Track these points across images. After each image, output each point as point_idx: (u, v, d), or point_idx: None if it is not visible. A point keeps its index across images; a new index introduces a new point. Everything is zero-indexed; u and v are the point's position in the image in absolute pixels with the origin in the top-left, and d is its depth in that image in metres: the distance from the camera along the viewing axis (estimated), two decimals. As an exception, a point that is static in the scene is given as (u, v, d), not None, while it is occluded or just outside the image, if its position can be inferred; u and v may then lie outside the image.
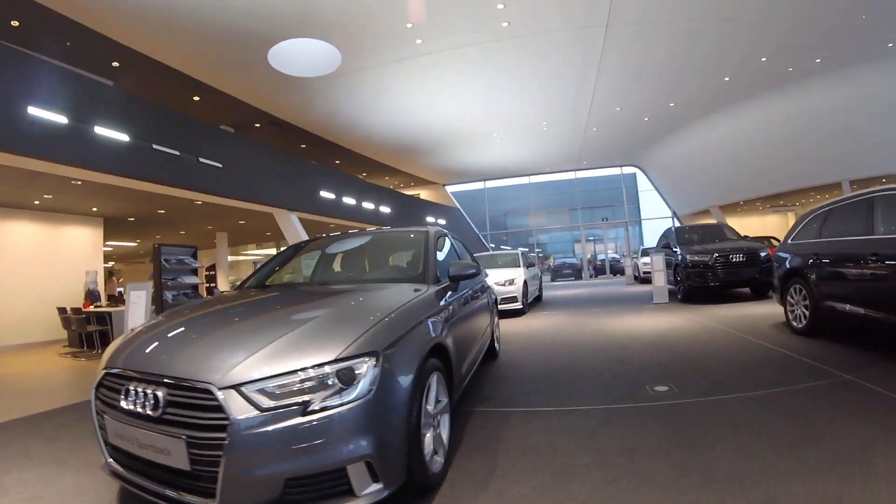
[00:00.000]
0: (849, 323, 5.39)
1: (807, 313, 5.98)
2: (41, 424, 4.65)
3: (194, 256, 9.05)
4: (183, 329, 2.79)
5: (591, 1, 10.91)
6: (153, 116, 10.38)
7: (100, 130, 8.76)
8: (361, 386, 2.17)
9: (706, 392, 4.20)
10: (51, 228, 12.58)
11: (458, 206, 31.61)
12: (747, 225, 15.87)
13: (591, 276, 29.03)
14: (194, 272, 8.96)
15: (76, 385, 6.51)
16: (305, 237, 14.64)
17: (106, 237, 14.84)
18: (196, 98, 14.74)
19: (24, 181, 9.41)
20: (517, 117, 19.22)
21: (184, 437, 2.08)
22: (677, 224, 27.69)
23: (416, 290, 3.24)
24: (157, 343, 2.60)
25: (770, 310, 8.47)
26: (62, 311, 10.47)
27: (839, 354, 5.02)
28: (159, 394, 2.19)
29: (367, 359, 2.23)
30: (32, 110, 7.73)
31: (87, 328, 9.67)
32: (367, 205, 19.54)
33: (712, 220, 24.13)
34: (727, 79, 16.06)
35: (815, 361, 4.83)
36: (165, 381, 2.22)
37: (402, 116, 17.90)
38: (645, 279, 19.49)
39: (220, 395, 2.06)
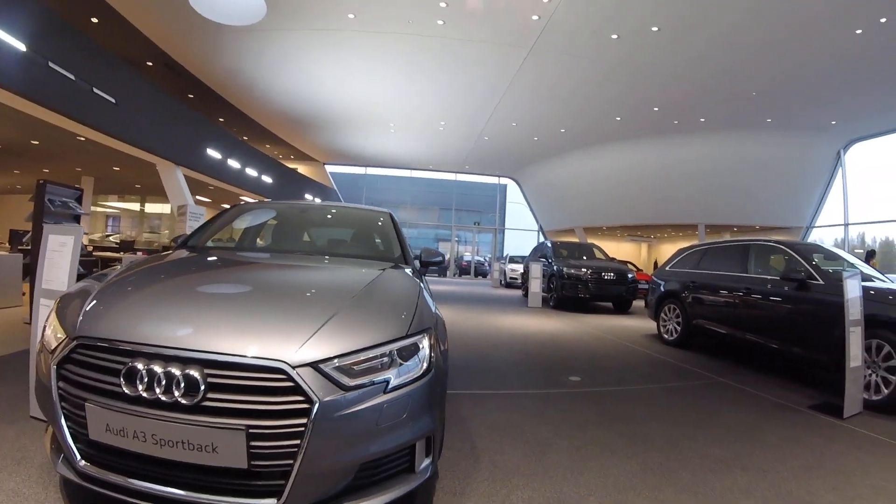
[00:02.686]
0: (714, 339, 6.63)
1: (678, 328, 7.20)
2: None
3: (79, 201, 7.87)
4: (189, 296, 2.28)
5: (524, 25, 11.65)
6: (53, 28, 9.09)
7: None
8: (425, 362, 2.07)
9: (613, 383, 4.97)
10: None
11: (335, 187, 31.28)
12: (605, 248, 17.89)
13: (454, 275, 30.27)
14: (77, 220, 7.77)
15: None
16: (188, 195, 13.86)
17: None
18: (94, 20, 13.16)
19: None
20: (419, 112, 19.59)
21: (243, 427, 1.67)
22: (542, 238, 30.04)
23: (411, 274, 3.17)
24: (164, 310, 2.05)
25: (635, 323, 9.81)
26: None
27: (708, 362, 6.17)
28: (195, 374, 1.71)
29: (425, 335, 2.13)
30: None
31: None
32: (251, 171, 18.79)
33: (575, 239, 26.53)
34: (619, 118, 17.95)
35: (691, 366, 5.89)
36: (209, 358, 1.75)
37: (305, 87, 17.42)
38: (510, 284, 20.95)
39: (296, 374, 1.74)
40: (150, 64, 16.04)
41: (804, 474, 2.82)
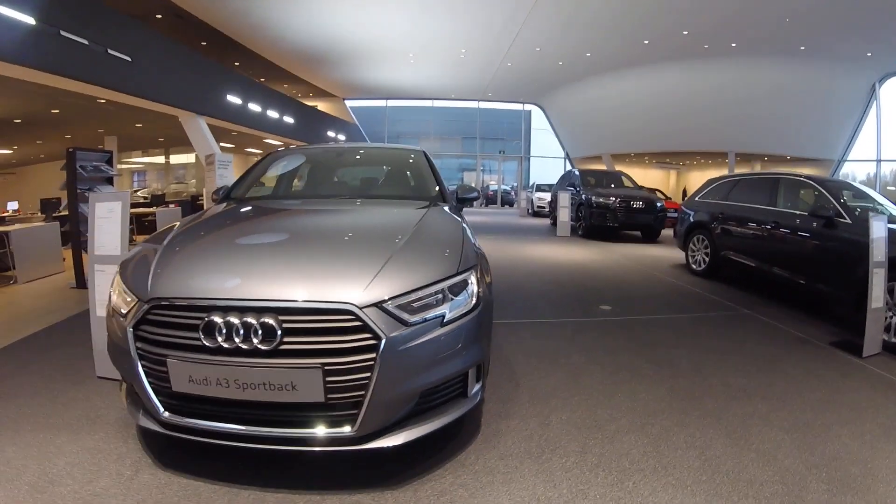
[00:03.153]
0: (741, 271, 6.72)
1: (706, 259, 7.29)
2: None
3: (109, 163, 7.98)
4: (251, 250, 2.44)
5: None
6: None
7: (2, 10, 7.45)
8: (474, 297, 2.24)
9: (642, 312, 5.20)
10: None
11: (356, 122, 31.05)
12: (632, 175, 17.73)
13: (481, 205, 30.34)
14: (110, 181, 7.95)
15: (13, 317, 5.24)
16: (214, 143, 14.00)
17: (-17, 144, 12.83)
18: None
19: None
20: (438, 41, 19.11)
21: (319, 365, 1.85)
22: (568, 165, 29.69)
23: (450, 211, 3.34)
24: (232, 266, 2.20)
25: (664, 252, 9.92)
26: None
27: (734, 293, 6.29)
28: (270, 322, 1.86)
29: (472, 272, 2.30)
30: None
31: None
32: (272, 113, 18.75)
33: (603, 166, 26.19)
34: (647, 42, 17.23)
35: (718, 297, 6.04)
36: (282, 306, 1.91)
37: (319, 22, 17.03)
38: (538, 213, 20.98)
39: (363, 314, 1.91)
40: (160, 17, 15.86)
41: (820, 407, 2.97)
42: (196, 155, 26.31)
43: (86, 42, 9.19)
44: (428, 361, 2.02)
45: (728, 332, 4.59)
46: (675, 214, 11.19)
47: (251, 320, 1.87)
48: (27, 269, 7.55)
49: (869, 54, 16.17)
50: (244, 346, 1.87)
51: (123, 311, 2.12)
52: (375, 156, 5.08)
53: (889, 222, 4.21)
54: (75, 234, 6.93)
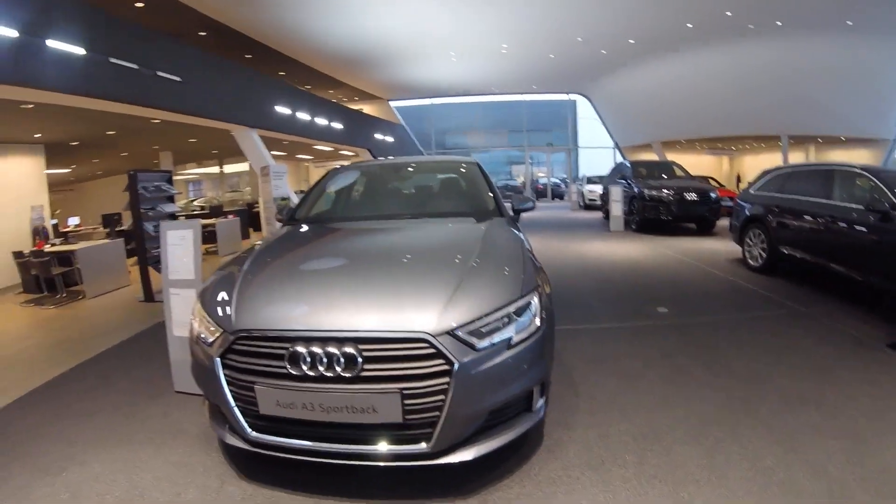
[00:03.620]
0: (798, 266, 6.61)
1: (763, 254, 7.16)
2: (73, 390, 3.89)
3: (170, 182, 8.34)
4: (326, 278, 2.64)
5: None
6: (105, 25, 9.26)
7: (53, 44, 7.61)
8: (537, 318, 2.36)
9: (698, 313, 5.24)
10: (-15, 160, 10.69)
11: (403, 122, 31.43)
12: (684, 162, 17.14)
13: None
14: (171, 199, 8.35)
15: (73, 339, 5.43)
16: (267, 155, 14.50)
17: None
18: (139, 4, 13.52)
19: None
20: (479, 38, 19.19)
21: (397, 390, 2.03)
22: (617, 155, 29.25)
23: (508, 225, 3.46)
24: (308, 298, 2.40)
25: (719, 245, 9.77)
26: (18, 254, 8.93)
27: (791, 290, 6.17)
28: (352, 351, 2.05)
29: (534, 293, 2.42)
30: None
31: (52, 271, 8.15)
32: (320, 120, 19.12)
33: (653, 154, 25.68)
34: (690, 25, 16.84)
35: (775, 295, 5.97)
36: (363, 336, 2.09)
37: (359, 27, 17.33)
38: (589, 206, 20.75)
39: (437, 342, 2.06)
40: (203, 34, 16.39)
41: (873, 415, 2.96)
42: (249, 163, 27.36)
43: (135, 66, 9.49)
44: (496, 382, 2.17)
45: (784, 334, 4.58)
46: (730, 203, 10.97)
47: (334, 350, 2.06)
48: (95, 284, 8.05)
49: None
50: (328, 374, 2.06)
51: (209, 341, 2.33)
52: (430, 170, 5.27)
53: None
54: (141, 252, 7.38)
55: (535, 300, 2.40)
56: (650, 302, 5.69)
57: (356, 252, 3.14)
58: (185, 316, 3.47)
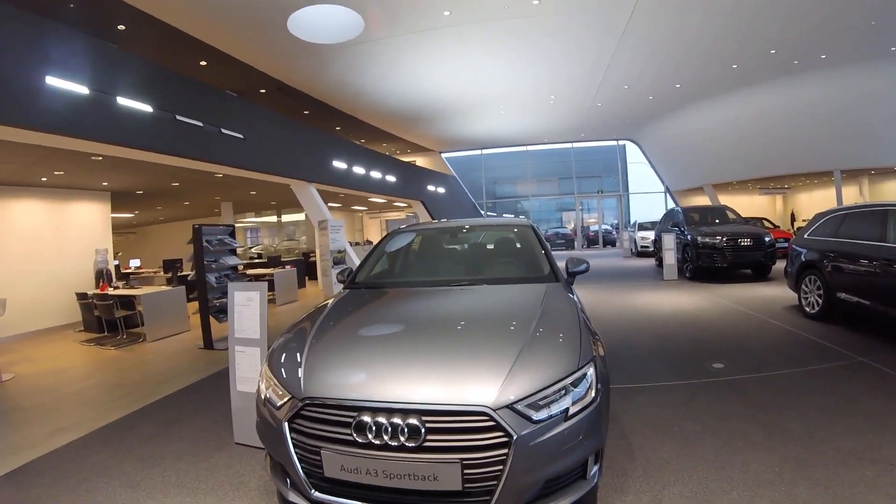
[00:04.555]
0: (857, 312, 6.45)
1: (820, 301, 7.03)
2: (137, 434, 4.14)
3: (232, 235, 8.73)
4: (389, 346, 2.78)
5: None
6: (173, 85, 9.76)
7: (123, 101, 7.97)
8: (593, 389, 2.42)
9: (756, 369, 5.17)
10: (57, 205, 11.42)
11: (454, 173, 32.10)
12: (736, 204, 17.01)
13: (582, 247, 30.08)
14: (234, 252, 8.74)
15: (135, 382, 5.73)
16: (324, 208, 15.11)
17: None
18: (203, 63, 14.43)
19: (38, 157, 8.58)
20: (527, 91, 19.65)
21: (458, 460, 2.12)
22: (669, 199, 28.88)
23: (563, 290, 3.53)
24: (373, 367, 2.52)
25: (775, 292, 9.59)
26: (82, 295, 9.61)
27: (850, 339, 6.04)
28: (415, 423, 2.17)
29: (591, 364, 2.49)
30: (51, 80, 6.68)
31: (115, 314, 8.63)
32: (375, 174, 19.74)
33: (704, 197, 25.26)
34: (735, 66, 16.84)
35: (833, 344, 5.86)
36: (426, 408, 2.21)
37: (412, 86, 18.11)
38: (642, 253, 20.56)
39: (497, 415, 2.15)
40: (264, 91, 17.30)
41: None
42: (305, 213, 28.23)
43: (200, 124, 9.90)
44: (553, 453, 2.23)
45: (842, 386, 4.51)
46: (785, 244, 10.73)
47: (398, 420, 2.18)
48: (155, 328, 8.49)
49: None
50: (392, 444, 2.17)
51: (277, 405, 2.48)
52: (484, 232, 5.39)
53: None
54: (203, 302, 7.72)
55: (592, 371, 2.47)
56: (706, 357, 5.66)
57: (416, 318, 3.27)
58: (248, 372, 3.75)
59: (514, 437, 2.13)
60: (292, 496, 2.45)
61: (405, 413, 2.20)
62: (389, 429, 2.18)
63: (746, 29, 13.80)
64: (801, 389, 4.55)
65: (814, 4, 12.35)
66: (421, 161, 30.58)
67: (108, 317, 8.77)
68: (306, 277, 17.23)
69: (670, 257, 12.72)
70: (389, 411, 2.22)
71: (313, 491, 2.34)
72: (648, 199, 31.20)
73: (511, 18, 12.96)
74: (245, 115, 12.12)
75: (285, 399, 2.46)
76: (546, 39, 14.52)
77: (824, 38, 14.53)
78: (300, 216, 25.79)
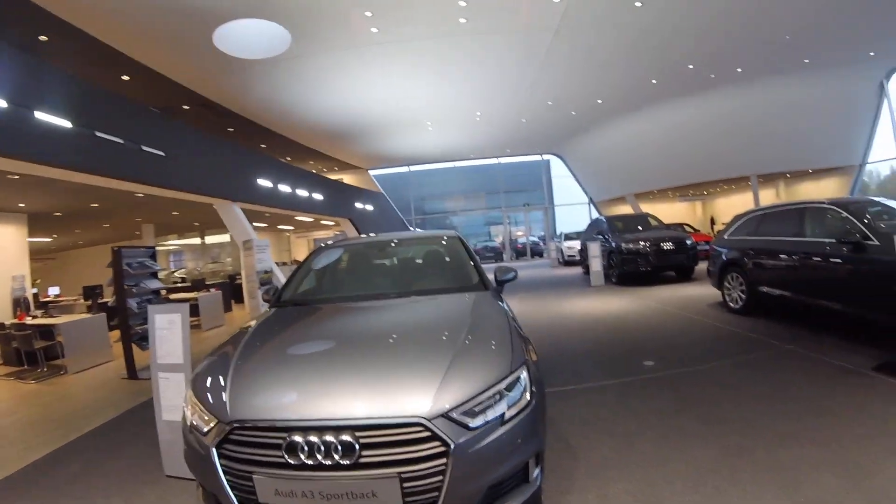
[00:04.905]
0: (778, 304, 6.75)
1: (743, 296, 7.33)
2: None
3: (153, 258, 8.34)
4: (318, 363, 2.65)
5: (546, 7, 11.76)
6: (93, 100, 9.34)
7: (41, 116, 7.56)
8: (528, 392, 2.39)
9: (685, 363, 5.24)
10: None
11: (382, 190, 31.86)
12: (658, 211, 17.72)
13: (511, 258, 30.49)
14: (155, 276, 8.39)
15: (59, 417, 5.33)
16: (249, 228, 14.55)
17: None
18: (125, 77, 13.78)
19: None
20: (454, 107, 19.85)
21: (395, 475, 2.04)
22: (593, 210, 29.86)
23: (492, 298, 3.51)
24: (302, 386, 2.41)
25: (699, 291, 9.93)
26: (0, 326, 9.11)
27: (774, 328, 6.32)
28: (349, 439, 2.07)
29: (523, 368, 2.46)
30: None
31: (34, 345, 8.01)
32: (301, 192, 19.20)
33: (627, 206, 26.28)
34: (654, 81, 17.71)
35: (758, 335, 6.08)
36: (359, 424, 2.12)
37: (340, 103, 17.91)
38: (569, 262, 21.02)
39: (432, 425, 2.09)
40: (187, 107, 16.70)
41: (869, 443, 3.06)
42: (231, 235, 27.28)
43: (121, 141, 9.42)
44: (492, 459, 2.17)
45: (772, 374, 4.63)
46: (706, 247, 11.20)
47: (331, 438, 2.07)
48: (77, 359, 7.90)
49: (872, 54, 16.31)
50: (326, 462, 2.06)
51: (204, 430, 2.32)
52: (413, 245, 5.34)
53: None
54: (125, 329, 7.23)
55: (525, 374, 2.43)
56: (637, 356, 5.69)
57: (345, 335, 3.13)
58: (174, 400, 3.49)
59: (452, 446, 2.07)
60: None
61: (338, 430, 2.09)
62: (322, 447, 2.07)
63: (664, 45, 14.55)
64: (733, 380, 4.62)
65: (729, 22, 13.19)
66: (349, 179, 30.16)
67: (26, 348, 8.19)
68: (232, 301, 16.45)
69: (597, 264, 13.00)
70: (321, 430, 2.10)
71: None
72: (573, 210, 32.09)
73: (438, 37, 13.09)
74: (167, 132, 11.63)
75: (212, 424, 2.31)
76: (472, 57, 14.74)
77: (740, 53, 15.57)
78: (225, 237, 24.80)
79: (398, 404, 2.18)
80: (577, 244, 19.16)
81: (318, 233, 31.72)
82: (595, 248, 13.18)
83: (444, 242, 4.78)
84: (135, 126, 10.21)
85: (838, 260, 5.51)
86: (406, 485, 2.03)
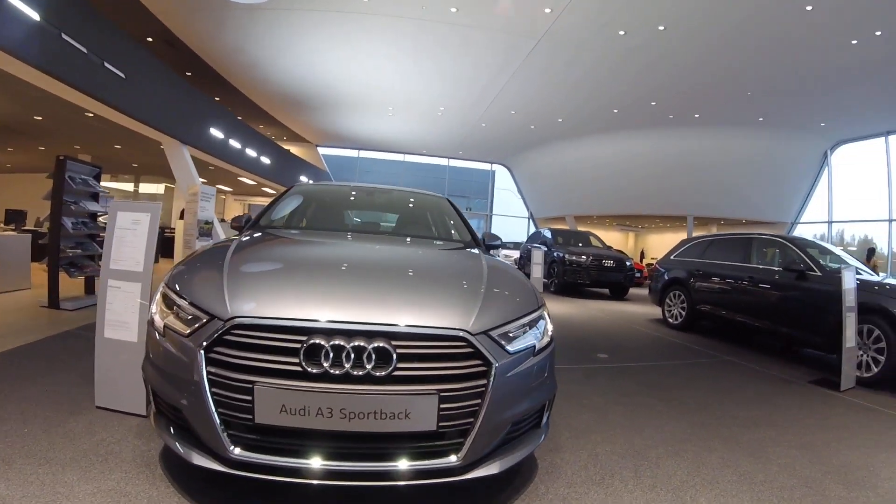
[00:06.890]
0: (717, 322, 7.37)
1: (683, 313, 7.87)
2: None
3: (98, 178, 7.56)
4: (335, 273, 2.39)
5: (536, 16, 12.10)
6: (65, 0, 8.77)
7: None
8: (549, 332, 2.33)
9: (636, 360, 5.59)
10: None
11: (328, 169, 31.31)
12: (593, 236, 18.89)
13: (445, 261, 30.68)
14: (95, 198, 7.53)
15: None
16: (195, 174, 13.99)
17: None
18: None
19: None
20: (420, 97, 19.87)
21: (435, 391, 1.79)
22: (531, 225, 30.64)
23: (493, 255, 3.39)
24: (324, 286, 2.13)
25: (636, 308, 10.51)
26: None
27: (713, 343, 6.89)
28: (383, 345, 1.78)
29: (545, 308, 2.41)
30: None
31: None
32: (251, 152, 18.84)
33: (565, 226, 27.17)
34: (616, 111, 18.55)
35: (699, 346, 6.58)
36: (396, 331, 1.85)
37: (308, 68, 17.49)
38: (506, 270, 21.42)
39: (476, 340, 1.90)
40: (150, 40, 15.85)
41: (818, 430, 3.52)
42: (165, 186, 25.89)
43: (84, 51, 8.98)
44: (524, 389, 2.07)
45: (718, 376, 5.05)
46: (640, 274, 11.78)
47: (362, 343, 1.78)
48: None
49: (823, 124, 17.93)
50: (355, 373, 1.77)
51: (186, 332, 1.92)
52: (405, 197, 4.96)
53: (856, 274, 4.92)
54: (54, 249, 6.47)
55: (546, 315, 2.39)
56: (590, 350, 5.97)
57: (360, 257, 2.86)
58: (122, 314, 2.98)
59: (494, 366, 1.89)
60: (199, 459, 1.85)
61: (370, 336, 1.80)
62: (353, 354, 1.77)
63: (635, 78, 15.29)
64: (686, 374, 5.01)
65: (701, 68, 14.04)
66: (296, 150, 29.41)
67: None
68: (160, 255, 15.65)
69: (538, 271, 13.30)
70: (350, 334, 1.80)
71: (233, 448, 1.78)
72: (511, 223, 32.97)
73: (424, 21, 13.07)
74: (131, 55, 11.05)
75: (203, 320, 1.90)
76: (451, 50, 14.86)
77: (702, 100, 16.66)
78: (159, 188, 23.48)
79: (439, 317, 1.97)
80: (514, 253, 19.60)
81: (257, 199, 30.73)
82: (538, 256, 13.48)
83: (438, 202, 4.63)
84: (102, 40, 9.71)
85: (782, 286, 6.12)
86: (444, 405, 1.81)
